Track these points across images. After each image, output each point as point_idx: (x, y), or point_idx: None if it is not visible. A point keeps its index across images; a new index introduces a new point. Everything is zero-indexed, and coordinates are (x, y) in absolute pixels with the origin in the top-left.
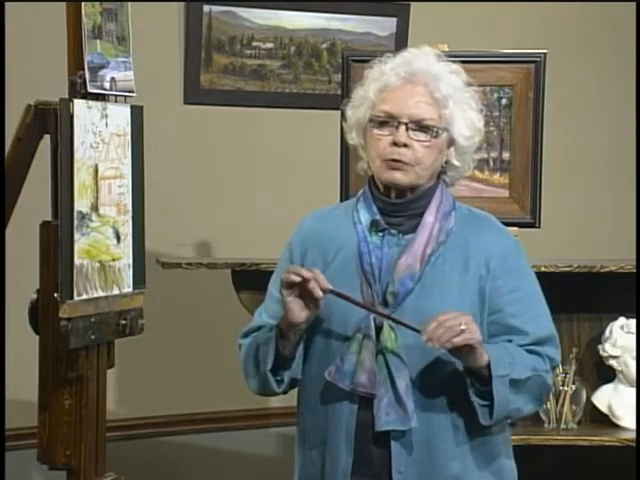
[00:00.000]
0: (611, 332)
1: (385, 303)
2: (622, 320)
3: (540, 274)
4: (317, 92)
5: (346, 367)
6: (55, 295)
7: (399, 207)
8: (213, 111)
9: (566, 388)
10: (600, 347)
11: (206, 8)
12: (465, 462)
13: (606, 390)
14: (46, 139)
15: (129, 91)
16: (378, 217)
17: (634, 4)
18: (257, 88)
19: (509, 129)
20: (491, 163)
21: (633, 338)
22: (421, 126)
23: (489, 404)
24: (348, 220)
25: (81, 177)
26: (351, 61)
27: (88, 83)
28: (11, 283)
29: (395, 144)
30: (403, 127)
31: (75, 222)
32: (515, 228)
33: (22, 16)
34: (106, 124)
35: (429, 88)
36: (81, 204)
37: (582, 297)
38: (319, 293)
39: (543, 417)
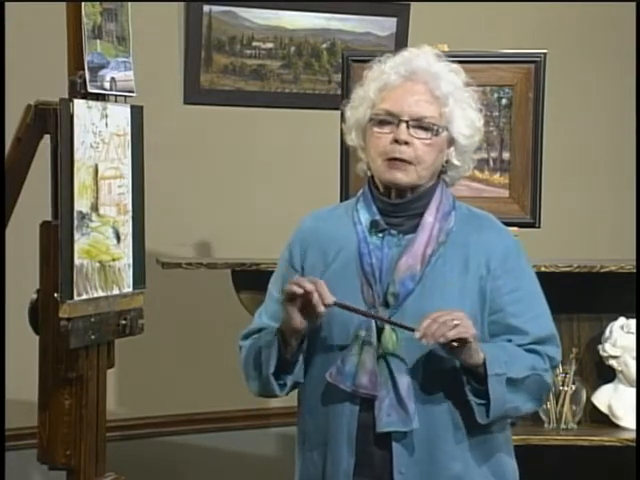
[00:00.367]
0: (611, 332)
1: (386, 304)
2: (622, 320)
3: (540, 274)
4: (317, 92)
5: (347, 368)
6: (55, 295)
7: (399, 207)
8: (213, 111)
9: (566, 388)
10: (600, 347)
11: (206, 8)
12: (466, 462)
13: (606, 390)
14: (46, 139)
15: (129, 91)
16: (378, 217)
17: (634, 4)
18: (257, 88)
19: (509, 129)
20: (491, 163)
21: (633, 338)
22: (422, 124)
23: (485, 403)
24: (348, 220)
25: (81, 177)
26: (351, 61)
27: (88, 83)
28: (11, 283)
29: (396, 142)
30: (404, 125)
31: (75, 222)
32: (515, 228)
33: (22, 16)
34: (106, 124)
35: (429, 86)
36: (81, 204)
37: (582, 297)
38: (321, 308)
39: (543, 417)
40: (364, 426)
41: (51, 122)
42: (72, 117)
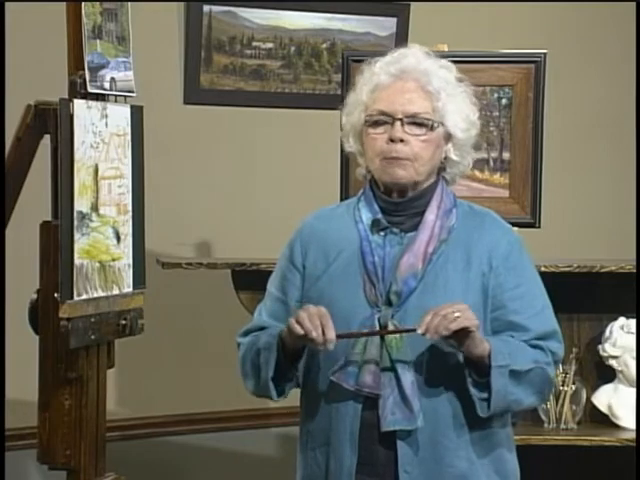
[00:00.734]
0: (611, 332)
1: (389, 302)
2: (622, 320)
3: (540, 274)
4: (317, 92)
5: (351, 367)
6: (55, 295)
7: (400, 206)
8: (213, 111)
9: (566, 388)
10: (600, 347)
11: (206, 8)
12: (470, 460)
13: (606, 390)
14: (46, 139)
15: (129, 91)
16: (380, 216)
17: (634, 4)
18: (257, 88)
19: (509, 129)
20: (491, 163)
21: (633, 338)
22: (416, 120)
23: (487, 396)
24: (349, 219)
25: (81, 177)
26: (351, 61)
27: (88, 83)
28: (11, 283)
29: (392, 140)
30: (398, 123)
31: (75, 222)
32: (515, 228)
33: (22, 16)
34: (106, 124)
35: (420, 83)
36: (81, 204)
37: (582, 297)
38: (321, 347)
39: (543, 417)
40: (368, 425)
41: (51, 122)
42: (72, 117)
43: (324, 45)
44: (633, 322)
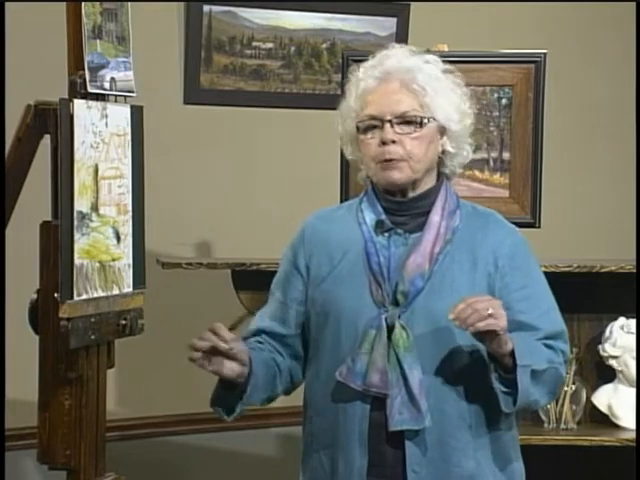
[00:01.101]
0: (611, 332)
1: (395, 302)
2: (622, 320)
3: None
4: (317, 92)
5: (358, 367)
6: (55, 295)
7: (404, 206)
8: (213, 111)
9: (566, 388)
10: (600, 347)
11: (206, 8)
12: (478, 460)
13: (606, 390)
14: (46, 139)
15: (129, 91)
16: (383, 217)
17: (634, 4)
18: (257, 88)
19: (509, 129)
20: (491, 163)
21: (633, 338)
22: (405, 119)
23: (511, 392)
24: (352, 221)
25: (81, 177)
26: (351, 61)
27: (88, 83)
28: (11, 283)
29: (384, 143)
30: (388, 125)
31: (75, 222)
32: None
33: (22, 16)
34: (106, 124)
35: (405, 82)
36: (81, 204)
37: (582, 297)
38: (224, 346)
39: (543, 417)
40: (376, 425)
41: (51, 122)
42: (72, 117)
43: (324, 45)
44: (633, 322)
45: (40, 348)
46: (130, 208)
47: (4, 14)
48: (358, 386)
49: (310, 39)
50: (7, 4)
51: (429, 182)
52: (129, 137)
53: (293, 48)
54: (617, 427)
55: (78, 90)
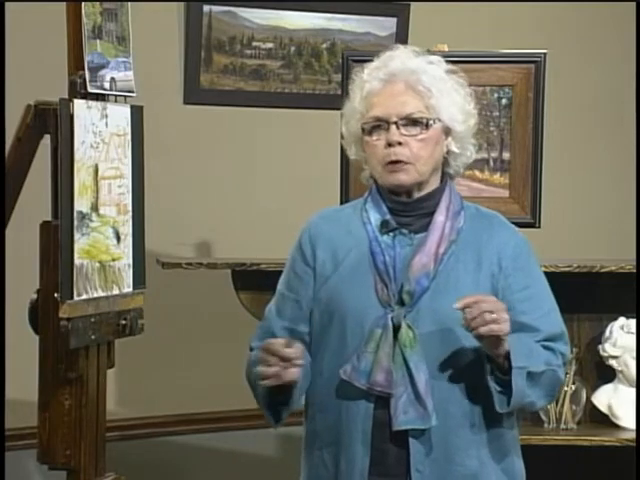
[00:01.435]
0: (611, 332)
1: (401, 302)
2: (622, 320)
3: None
4: (317, 92)
5: (363, 366)
6: (55, 295)
7: (409, 206)
8: (213, 111)
9: (566, 388)
10: (600, 347)
11: (206, 8)
12: (481, 459)
13: (606, 390)
14: (46, 139)
15: (129, 91)
16: (388, 217)
17: (634, 4)
18: (257, 88)
19: (509, 129)
20: (491, 163)
21: (633, 338)
22: (411, 120)
23: (506, 392)
24: (357, 220)
25: (81, 177)
26: (351, 61)
27: (88, 83)
28: (11, 283)
29: (390, 145)
30: (394, 126)
31: (75, 222)
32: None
33: (22, 16)
34: (106, 124)
35: (410, 83)
36: (81, 204)
37: (582, 297)
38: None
39: (543, 417)
40: (379, 424)
41: (51, 122)
42: (72, 117)
43: (324, 45)
44: (633, 322)
45: (40, 348)
46: (130, 208)
47: (4, 14)
48: (362, 385)
49: (310, 39)
50: (7, 4)
51: (434, 183)
52: (129, 137)
53: (293, 48)
54: (617, 427)
55: (78, 90)
